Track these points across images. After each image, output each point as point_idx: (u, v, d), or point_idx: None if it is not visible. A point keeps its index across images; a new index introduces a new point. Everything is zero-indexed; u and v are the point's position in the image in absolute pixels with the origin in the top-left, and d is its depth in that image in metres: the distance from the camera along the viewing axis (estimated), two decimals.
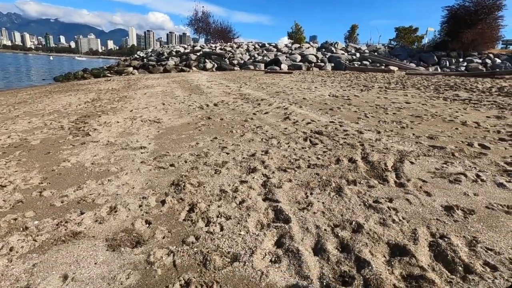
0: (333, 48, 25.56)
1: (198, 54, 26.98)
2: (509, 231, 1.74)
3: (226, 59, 24.22)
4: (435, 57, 21.27)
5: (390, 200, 2.13)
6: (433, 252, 1.57)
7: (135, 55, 37.88)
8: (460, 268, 1.44)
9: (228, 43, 35.77)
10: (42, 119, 5.78)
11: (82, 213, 2.08)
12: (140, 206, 2.16)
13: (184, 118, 5.29)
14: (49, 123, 5.30)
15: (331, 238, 1.71)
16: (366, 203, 2.09)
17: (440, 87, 9.03)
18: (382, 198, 2.16)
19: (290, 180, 2.50)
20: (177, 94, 8.76)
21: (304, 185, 2.41)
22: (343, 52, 24.67)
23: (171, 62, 25.18)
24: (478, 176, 2.49)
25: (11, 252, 1.68)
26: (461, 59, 20.65)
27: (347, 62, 21.32)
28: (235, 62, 23.56)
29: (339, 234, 1.73)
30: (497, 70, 15.60)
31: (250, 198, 2.20)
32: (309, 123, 4.54)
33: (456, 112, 5.22)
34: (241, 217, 1.95)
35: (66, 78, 23.08)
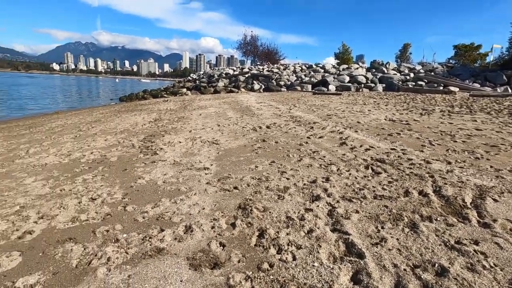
0: (384, 68, 24.67)
1: (246, 75, 28.19)
2: None
3: (273, 80, 24.85)
4: (504, 76, 19.20)
5: (476, 243, 1.95)
6: None
7: (189, 77, 40.94)
8: None
9: (275, 65, 36.80)
10: (115, 137, 6.51)
11: (162, 230, 2.28)
12: (212, 227, 2.29)
13: (240, 140, 5.52)
14: (122, 141, 5.95)
15: (413, 280, 1.62)
16: (447, 244, 1.94)
17: None
18: (466, 239, 1.99)
19: (357, 211, 2.44)
20: (230, 116, 9.20)
21: (374, 217, 2.33)
22: (395, 72, 23.64)
23: (221, 84, 26.63)
24: None
25: (108, 262, 1.91)
26: None
27: (400, 82, 20.32)
28: (282, 83, 24.03)
29: (422, 277, 1.63)
30: None
31: (318, 228, 2.20)
32: (368, 149, 4.41)
33: None
34: (312, 248, 1.95)
35: (129, 98, 25.82)
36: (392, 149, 4.38)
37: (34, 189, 3.40)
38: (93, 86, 65.26)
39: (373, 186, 2.97)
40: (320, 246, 1.96)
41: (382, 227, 2.18)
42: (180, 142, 5.55)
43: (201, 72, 44.34)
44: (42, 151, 5.50)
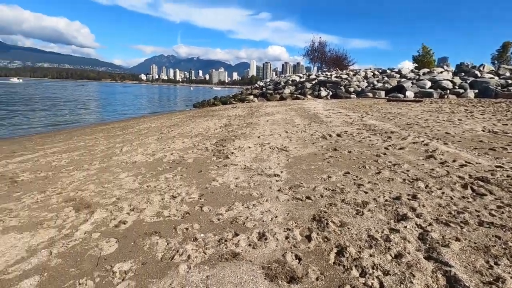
0: (476, 72, 21.27)
1: (313, 82, 27.72)
2: None
3: (341, 87, 23.82)
4: None
5: None
6: None
7: (255, 85, 42.31)
8: None
9: (344, 71, 35.31)
10: (191, 140, 7.04)
11: (236, 234, 2.30)
12: (286, 238, 2.21)
13: (309, 148, 5.36)
14: (196, 144, 6.39)
15: None
16: None
17: None
18: None
19: (457, 239, 2.05)
20: (297, 122, 9.08)
21: (482, 249, 1.93)
22: (492, 75, 20.14)
23: (287, 91, 26.73)
24: None
25: (189, 260, 1.99)
26: None
27: (499, 87, 17.19)
28: (351, 89, 22.83)
29: None
30: None
31: (408, 253, 1.91)
32: (464, 165, 3.76)
33: None
34: (403, 276, 1.70)
35: (201, 104, 28.00)
36: (497, 166, 3.64)
37: (127, 183, 3.86)
38: (171, 93, 73.02)
39: (476, 210, 2.48)
40: (414, 276, 1.69)
41: (496, 263, 1.77)
42: (249, 148, 5.67)
43: (268, 80, 45.39)
44: (132, 150, 6.28)
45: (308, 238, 2.18)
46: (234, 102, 26.61)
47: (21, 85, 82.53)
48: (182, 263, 1.96)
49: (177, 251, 2.10)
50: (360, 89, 22.69)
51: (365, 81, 25.19)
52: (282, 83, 32.57)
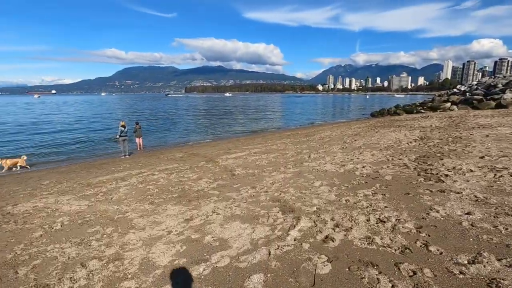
0: None
1: None
2: None
3: None
4: None
5: None
6: None
7: (454, 90, 34.05)
8: None
9: None
10: (381, 153, 6.26)
11: None
12: None
13: None
14: (390, 159, 5.55)
15: None
16: None
17: None
18: None
19: None
20: None
21: None
22: None
23: (509, 95, 19.63)
24: None
25: None
26: None
27: None
28: None
29: None
30: None
31: None
32: None
33: None
34: None
35: (380, 113, 25.67)
36: None
37: (323, 193, 3.76)
38: (345, 102, 72.57)
39: None
40: None
41: None
42: (471, 171, 4.24)
43: (473, 83, 35.35)
44: (319, 157, 6.33)
45: None
46: (422, 111, 22.64)
47: (230, 98, 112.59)
48: None
49: None
50: None
51: None
52: (499, 85, 24.29)
